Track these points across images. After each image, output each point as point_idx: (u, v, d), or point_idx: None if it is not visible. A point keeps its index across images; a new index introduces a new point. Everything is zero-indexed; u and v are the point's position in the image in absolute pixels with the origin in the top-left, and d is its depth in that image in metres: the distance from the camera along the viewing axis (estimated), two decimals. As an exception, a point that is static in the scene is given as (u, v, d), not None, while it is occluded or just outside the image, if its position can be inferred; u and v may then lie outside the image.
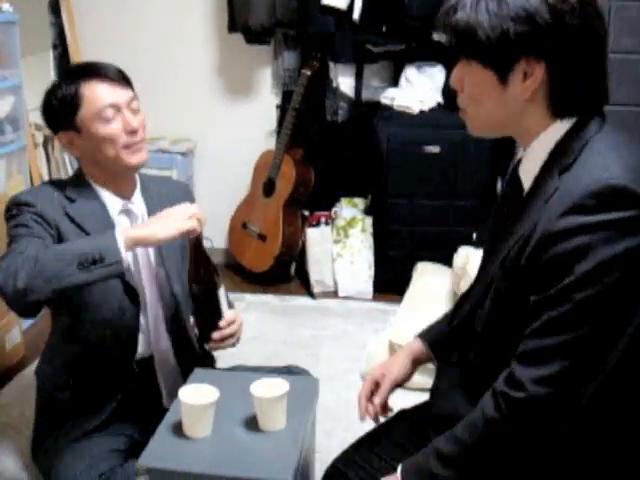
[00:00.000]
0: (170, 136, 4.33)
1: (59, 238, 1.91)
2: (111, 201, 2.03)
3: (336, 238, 4.11)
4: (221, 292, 1.91)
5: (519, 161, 1.51)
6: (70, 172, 4.19)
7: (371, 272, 4.06)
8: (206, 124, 4.44)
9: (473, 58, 1.39)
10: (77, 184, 2.03)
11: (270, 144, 4.30)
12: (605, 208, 1.25)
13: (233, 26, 4.12)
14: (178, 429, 1.68)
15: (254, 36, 4.10)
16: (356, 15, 3.83)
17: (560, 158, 1.36)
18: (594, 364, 1.30)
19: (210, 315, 1.92)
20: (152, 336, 2.05)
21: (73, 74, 2.00)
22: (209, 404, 1.65)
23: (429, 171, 3.83)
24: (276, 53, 4.28)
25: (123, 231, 1.75)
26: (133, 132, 1.95)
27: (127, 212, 2.05)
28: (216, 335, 1.92)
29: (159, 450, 1.63)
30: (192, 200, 2.18)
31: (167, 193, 2.15)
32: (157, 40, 4.38)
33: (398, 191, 3.89)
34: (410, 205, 3.90)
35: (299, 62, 4.21)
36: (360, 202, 4.19)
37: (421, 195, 3.86)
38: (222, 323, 1.93)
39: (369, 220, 4.11)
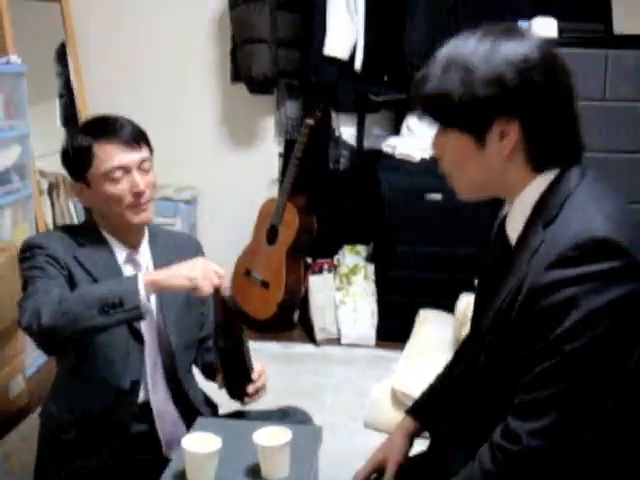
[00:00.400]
0: (174, 184, 4.37)
1: (70, 280, 1.95)
2: (117, 248, 2.06)
3: (339, 285, 4.12)
4: (248, 346, 1.92)
5: (505, 216, 1.53)
6: (75, 219, 4.22)
7: (374, 319, 4.07)
8: (210, 172, 4.48)
9: (449, 126, 1.43)
10: (87, 230, 2.07)
11: (273, 192, 4.34)
12: (589, 260, 1.27)
13: (236, 76, 4.18)
14: (181, 477, 1.68)
15: (257, 86, 4.16)
16: (358, 65, 3.89)
17: (543, 212, 1.39)
18: (588, 413, 1.31)
19: (241, 369, 1.92)
20: (150, 384, 2.06)
21: (90, 128, 2.02)
22: (212, 452, 1.65)
23: (431, 218, 3.85)
24: (279, 102, 4.34)
25: (145, 275, 1.80)
26: (139, 194, 1.98)
27: (133, 261, 2.07)
28: (251, 389, 1.94)
29: (162, 499, 1.63)
30: (201, 252, 2.23)
31: (175, 245, 2.18)
32: (162, 90, 4.44)
33: (400, 238, 3.90)
34: (412, 252, 3.91)
35: (302, 111, 4.27)
36: (362, 249, 4.20)
37: (423, 242, 3.88)
38: (254, 376, 1.95)
39: (371, 267, 4.12)
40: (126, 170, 1.97)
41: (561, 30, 3.55)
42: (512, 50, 1.37)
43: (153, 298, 2.05)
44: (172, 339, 2.08)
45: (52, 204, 4.15)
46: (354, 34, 3.89)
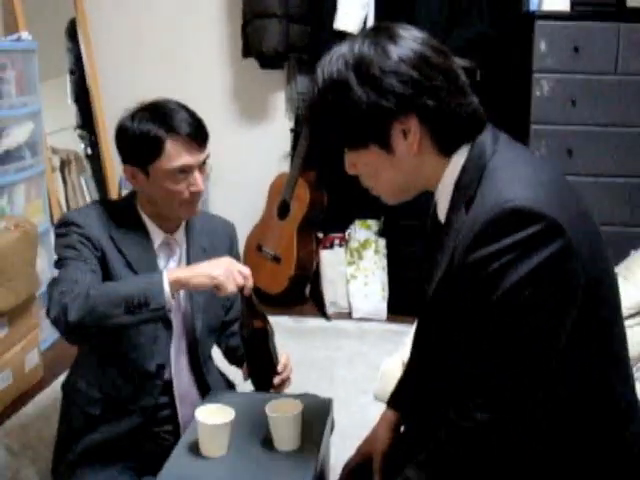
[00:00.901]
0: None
1: (103, 260, 1.96)
2: (155, 232, 2.06)
3: (350, 260, 4.13)
4: (274, 338, 1.96)
5: (435, 205, 1.54)
6: (87, 196, 4.24)
7: (385, 293, 4.09)
8: (221, 148, 4.46)
9: (350, 147, 1.46)
10: (126, 210, 2.07)
11: (284, 167, 4.35)
12: (506, 232, 1.28)
13: (247, 51, 4.17)
14: (195, 448, 1.71)
15: (268, 61, 4.15)
16: (368, 40, 3.87)
17: (463, 191, 1.40)
18: (529, 380, 1.33)
19: (266, 362, 1.96)
20: (174, 367, 2.08)
21: (161, 118, 1.96)
22: (225, 424, 1.68)
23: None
24: (290, 77, 4.33)
25: (169, 274, 1.81)
26: (197, 193, 1.99)
27: (168, 245, 2.08)
28: (277, 380, 1.98)
29: (176, 469, 1.66)
30: (234, 238, 2.26)
31: (210, 230, 2.19)
32: (172, 65, 4.44)
33: (411, 212, 3.89)
34: (423, 226, 3.91)
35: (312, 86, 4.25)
36: (373, 224, 4.21)
37: (434, 216, 3.88)
38: (280, 367, 1.99)
39: (382, 241, 4.14)
40: (189, 170, 1.96)
41: (573, 3, 3.52)
42: (381, 54, 1.37)
43: None
44: (197, 325, 2.10)
45: (64, 181, 4.17)
46: (365, 8, 3.87)
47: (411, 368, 1.81)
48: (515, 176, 1.34)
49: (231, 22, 4.31)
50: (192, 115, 2.01)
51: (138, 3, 4.42)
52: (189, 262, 2.09)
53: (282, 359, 2.01)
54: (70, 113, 4.42)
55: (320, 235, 4.28)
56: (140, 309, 1.75)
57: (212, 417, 1.69)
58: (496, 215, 1.29)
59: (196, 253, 2.10)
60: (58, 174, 4.10)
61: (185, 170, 1.95)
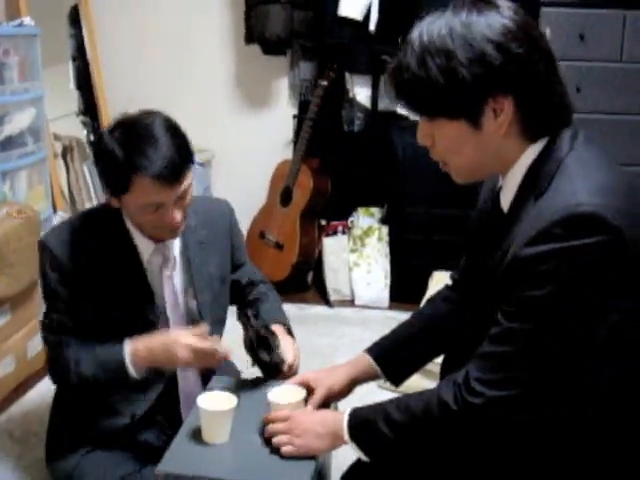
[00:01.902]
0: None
1: (91, 287, 1.93)
2: (143, 244, 1.98)
3: (352, 247, 4.13)
4: (279, 349, 1.92)
5: (500, 188, 1.51)
6: (90, 183, 4.23)
7: (387, 281, 4.08)
8: (224, 134, 4.48)
9: (437, 115, 1.40)
10: (109, 221, 1.97)
11: (287, 154, 4.33)
12: (570, 236, 1.26)
13: (250, 37, 4.16)
14: (196, 435, 1.70)
15: (271, 47, 4.14)
16: (372, 26, 3.86)
17: (535, 183, 1.38)
18: (550, 371, 1.34)
19: (275, 368, 1.94)
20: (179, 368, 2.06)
21: (130, 147, 1.79)
22: (227, 410, 1.68)
23: (445, 180, 3.82)
24: (293, 64, 4.31)
25: (132, 355, 1.87)
26: (173, 225, 1.88)
27: (161, 254, 2.01)
28: (283, 377, 1.96)
29: (177, 456, 1.65)
30: (232, 218, 2.20)
31: (205, 220, 2.10)
32: (175, 51, 4.42)
33: (414, 200, 3.90)
34: (426, 214, 3.91)
35: (316, 73, 4.24)
36: (376, 211, 4.20)
37: (437, 204, 3.87)
38: (286, 369, 1.96)
39: (385, 229, 4.13)
40: (161, 206, 1.84)
41: (579, -11, 3.51)
42: (487, 25, 1.34)
43: (178, 286, 2.05)
44: (205, 322, 2.05)
45: (67, 167, 4.16)
46: (368, -6, 3.85)
47: (413, 333, 1.84)
48: (590, 179, 1.32)
49: (234, 8, 4.29)
50: (172, 148, 1.81)
51: (141, -11, 4.40)
52: (187, 262, 2.05)
53: (290, 358, 1.97)
54: (73, 99, 4.40)
55: (323, 222, 4.27)
56: (116, 372, 1.88)
57: (214, 404, 1.68)
58: (565, 216, 1.27)
59: (194, 250, 2.06)
60: (60, 160, 4.09)
61: (156, 206, 1.83)
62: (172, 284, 2.01)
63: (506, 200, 1.47)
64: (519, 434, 1.41)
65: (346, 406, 1.65)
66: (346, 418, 1.57)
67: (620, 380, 1.38)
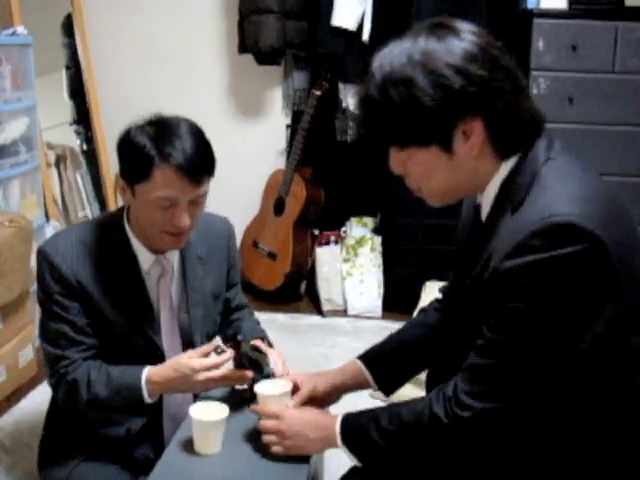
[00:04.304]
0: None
1: (87, 299, 1.91)
2: (143, 255, 1.96)
3: (345, 257, 4.13)
4: (267, 370, 1.88)
5: (479, 205, 1.51)
6: (83, 193, 4.22)
7: (380, 291, 4.08)
8: (217, 144, 4.45)
9: (406, 145, 1.40)
10: (111, 231, 1.96)
11: (280, 163, 4.34)
12: (549, 246, 1.26)
13: (244, 47, 4.16)
14: (188, 446, 1.70)
15: (264, 57, 4.14)
16: (365, 36, 3.87)
17: (511, 195, 1.38)
18: (537, 381, 1.34)
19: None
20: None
21: (158, 137, 1.81)
22: (219, 420, 1.67)
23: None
24: (286, 74, 4.32)
25: (148, 380, 1.84)
26: (180, 229, 1.86)
27: (160, 266, 1.99)
28: None
29: (169, 467, 1.65)
30: (231, 234, 2.20)
31: (205, 235, 2.09)
32: (169, 61, 4.42)
33: (407, 210, 3.90)
34: (419, 224, 3.92)
35: (309, 82, 4.25)
36: (369, 221, 4.21)
37: (430, 214, 3.86)
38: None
39: (378, 239, 4.13)
40: (174, 203, 1.81)
41: (571, 2, 3.52)
42: (447, 51, 1.33)
43: (175, 298, 2.04)
44: (196, 338, 2.05)
45: (60, 176, 4.15)
46: (362, 5, 3.85)
47: (404, 342, 1.84)
48: (567, 190, 1.32)
49: (228, 18, 4.30)
50: (197, 147, 1.84)
51: (135, -2, 4.41)
52: (184, 276, 2.04)
53: (278, 367, 1.92)
54: (66, 109, 4.40)
55: (316, 232, 4.27)
56: (128, 399, 1.86)
57: (206, 414, 1.68)
58: (542, 227, 1.27)
59: (192, 264, 2.05)
60: (54, 170, 4.09)
61: (170, 201, 1.81)
62: (169, 296, 2.00)
63: (484, 212, 1.48)
64: (508, 442, 1.40)
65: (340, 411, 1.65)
66: (338, 423, 1.57)
67: (606, 388, 1.38)
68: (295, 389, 1.77)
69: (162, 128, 1.84)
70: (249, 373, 1.81)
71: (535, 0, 3.58)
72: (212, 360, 1.80)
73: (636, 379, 1.39)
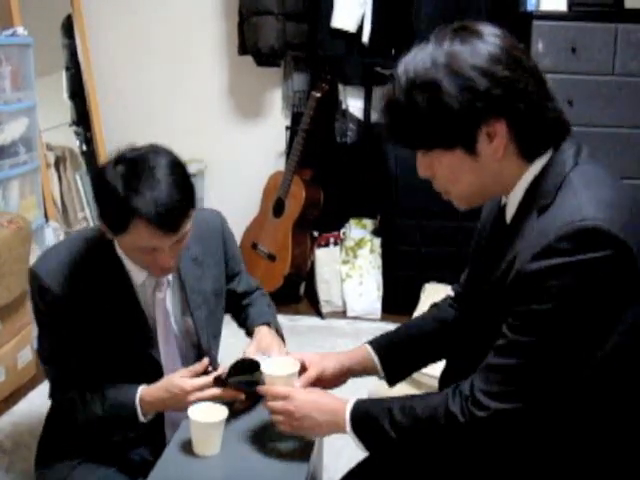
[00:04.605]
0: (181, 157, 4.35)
1: (80, 311, 1.89)
2: (134, 271, 1.93)
3: (345, 259, 4.13)
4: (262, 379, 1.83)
5: (504, 205, 1.52)
6: (82, 193, 4.22)
7: (379, 292, 4.08)
8: (216, 145, 4.48)
9: (432, 148, 1.41)
10: (101, 246, 1.92)
11: (280, 165, 4.34)
12: (577, 250, 1.27)
13: (243, 49, 4.16)
14: (187, 447, 1.70)
15: (264, 58, 4.14)
16: (365, 38, 3.87)
17: (538, 197, 1.38)
18: (555, 384, 1.34)
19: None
20: None
21: (134, 189, 1.71)
22: (218, 422, 1.67)
23: (438, 192, 3.84)
24: (286, 75, 4.32)
25: (142, 400, 1.85)
26: (165, 269, 1.86)
27: (153, 279, 1.96)
28: None
29: (168, 468, 1.65)
30: (225, 228, 2.17)
31: (198, 235, 2.03)
32: (169, 63, 4.43)
33: (407, 212, 3.90)
34: (418, 226, 3.92)
35: (309, 84, 4.25)
36: (369, 223, 4.21)
37: (429, 216, 3.87)
38: None
39: (378, 241, 4.13)
40: (156, 248, 1.78)
41: (571, 4, 3.52)
42: (472, 53, 1.34)
43: (170, 307, 2.02)
44: (202, 339, 2.05)
45: (59, 177, 4.15)
46: (362, 6, 3.86)
47: (414, 335, 1.84)
48: (595, 195, 1.32)
49: (228, 19, 4.30)
50: (170, 193, 1.73)
51: (134, 0, 4.40)
52: (181, 281, 2.02)
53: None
54: (66, 109, 4.40)
55: (315, 234, 4.27)
56: (122, 417, 1.88)
57: (205, 415, 1.68)
58: (570, 231, 1.27)
59: (187, 267, 2.02)
60: (53, 170, 4.09)
61: (151, 248, 1.78)
62: (163, 306, 1.99)
63: (509, 214, 1.48)
64: (522, 442, 1.40)
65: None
66: (349, 410, 1.56)
67: (624, 390, 1.38)
68: (302, 369, 1.75)
69: (135, 172, 1.73)
70: (241, 395, 1.80)
71: (535, 2, 3.58)
72: (203, 380, 1.80)
73: None
